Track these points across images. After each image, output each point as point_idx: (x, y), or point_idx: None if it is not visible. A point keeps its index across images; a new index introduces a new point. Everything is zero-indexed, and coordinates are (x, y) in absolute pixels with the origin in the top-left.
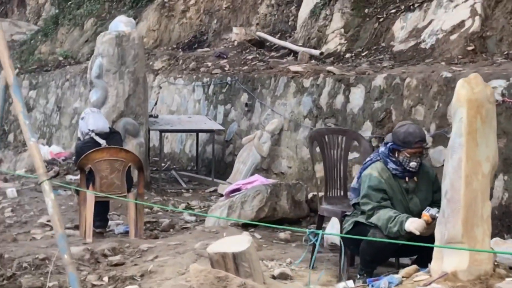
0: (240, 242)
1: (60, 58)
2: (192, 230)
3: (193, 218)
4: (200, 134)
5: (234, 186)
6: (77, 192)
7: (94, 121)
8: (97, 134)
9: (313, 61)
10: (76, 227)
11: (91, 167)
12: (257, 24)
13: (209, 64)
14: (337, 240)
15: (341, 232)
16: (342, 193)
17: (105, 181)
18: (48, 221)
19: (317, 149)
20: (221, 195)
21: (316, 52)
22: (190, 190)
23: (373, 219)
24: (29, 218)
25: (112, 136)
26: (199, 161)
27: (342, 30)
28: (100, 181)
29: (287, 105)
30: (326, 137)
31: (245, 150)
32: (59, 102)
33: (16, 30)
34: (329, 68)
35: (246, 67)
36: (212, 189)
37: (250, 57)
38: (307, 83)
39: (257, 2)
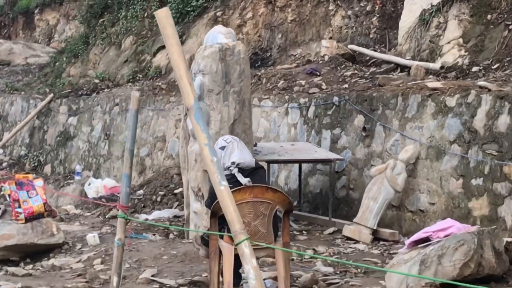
0: None
1: (96, 81)
2: None
3: (331, 269)
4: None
5: (421, 234)
6: (204, 241)
7: (239, 152)
8: (240, 169)
9: (431, 76)
10: (193, 284)
11: None
12: (330, 38)
13: (303, 82)
14: None
15: None
16: None
17: (247, 229)
18: (153, 275)
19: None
20: (348, 239)
21: (434, 66)
22: (304, 232)
23: None
24: (127, 272)
25: (256, 172)
26: (301, 195)
27: (461, 40)
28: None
29: (424, 128)
30: None
31: (374, 183)
32: (108, 129)
33: (30, 53)
34: (481, 83)
35: (346, 85)
36: (331, 230)
37: (348, 73)
38: (451, 101)
39: (329, 13)
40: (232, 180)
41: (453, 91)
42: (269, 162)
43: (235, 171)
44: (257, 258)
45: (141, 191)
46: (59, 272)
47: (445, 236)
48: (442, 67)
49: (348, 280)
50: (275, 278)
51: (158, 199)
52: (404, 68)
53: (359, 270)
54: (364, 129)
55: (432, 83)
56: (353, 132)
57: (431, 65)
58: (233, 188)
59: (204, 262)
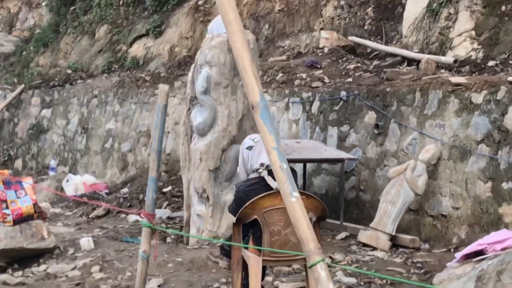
0: None
1: (69, 71)
2: None
3: (353, 280)
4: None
5: (475, 246)
6: (225, 251)
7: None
8: (269, 172)
9: (442, 70)
10: None
11: (258, 219)
12: (321, 29)
13: (304, 75)
14: None
15: None
16: None
17: (276, 238)
18: (160, 286)
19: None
20: (364, 245)
21: (447, 59)
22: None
23: None
24: (130, 281)
25: None
26: None
27: (473, 32)
28: (270, 238)
29: (446, 127)
30: None
31: (393, 186)
32: (85, 123)
33: None
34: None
35: (349, 79)
36: (343, 235)
37: (351, 66)
38: (478, 98)
39: (320, 3)
40: (261, 184)
41: (479, 87)
42: None
43: (264, 173)
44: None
45: (125, 189)
46: (55, 280)
47: (502, 249)
48: (455, 61)
49: None
50: None
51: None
52: (412, 62)
53: (384, 281)
54: (376, 126)
55: (455, 78)
56: (364, 129)
57: (443, 58)
58: (261, 193)
59: (213, 270)
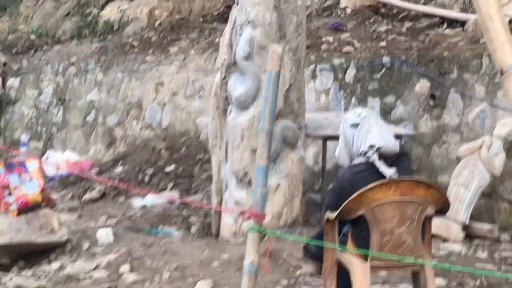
0: None
1: (32, 37)
2: None
3: (442, 282)
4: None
5: None
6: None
7: (379, 132)
8: (380, 156)
9: None
10: None
11: (365, 214)
12: None
13: (330, 39)
14: None
15: None
16: None
17: (388, 239)
18: None
19: None
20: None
21: None
22: None
23: None
24: (171, 284)
25: (400, 160)
26: (324, 180)
27: None
28: (381, 238)
29: None
30: None
31: (465, 166)
32: (61, 94)
33: None
34: None
35: (382, 43)
36: None
37: (382, 28)
38: None
39: None
40: (370, 171)
41: None
42: (327, 138)
43: (374, 158)
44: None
45: (119, 169)
46: (78, 284)
47: None
48: (510, 21)
49: None
50: None
51: (146, 179)
52: (454, 23)
53: (478, 282)
54: (432, 97)
55: None
56: (415, 100)
57: None
58: (371, 182)
59: (271, 272)
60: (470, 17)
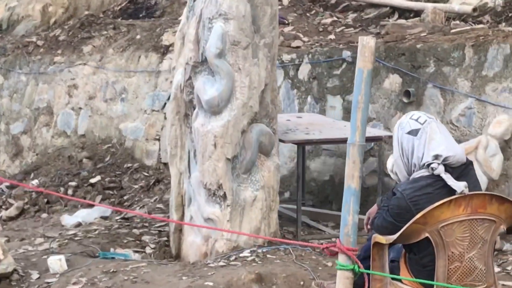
0: None
1: None
2: None
3: None
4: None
5: None
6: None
7: (444, 140)
8: (446, 167)
9: (458, 22)
10: None
11: (430, 237)
12: None
13: None
14: None
15: None
16: None
17: (456, 265)
18: None
19: None
20: None
21: (463, 8)
22: None
23: None
24: None
25: (467, 171)
26: (304, 185)
27: None
28: (448, 264)
29: None
30: None
31: None
32: None
33: None
34: None
35: (331, 36)
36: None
37: (327, 20)
38: None
39: None
40: (435, 186)
41: None
42: (300, 143)
43: (440, 170)
44: None
45: (36, 181)
46: None
47: None
48: (475, 9)
49: None
50: None
51: (70, 192)
52: (405, 13)
53: None
54: (406, 93)
55: None
56: (384, 98)
57: (456, 7)
58: (438, 199)
59: None
60: (426, 5)
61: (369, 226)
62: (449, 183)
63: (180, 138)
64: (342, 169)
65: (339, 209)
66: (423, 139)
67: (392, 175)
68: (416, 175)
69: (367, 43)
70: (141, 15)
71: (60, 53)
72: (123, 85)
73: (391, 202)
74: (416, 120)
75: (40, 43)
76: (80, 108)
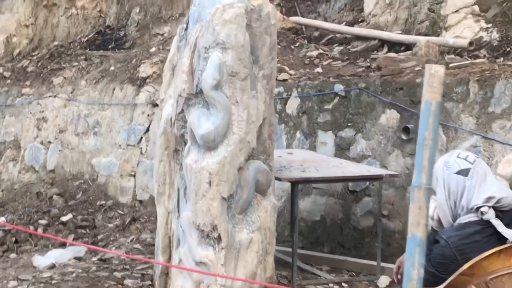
0: None
1: None
2: None
3: None
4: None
5: None
6: None
7: (494, 181)
8: (497, 212)
9: (453, 56)
10: None
11: None
12: None
13: None
14: None
15: None
16: None
17: None
18: None
19: None
20: None
21: (458, 42)
22: (344, 285)
23: None
24: None
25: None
26: (294, 225)
27: (476, 7)
28: None
29: None
30: None
31: None
32: None
33: None
34: None
35: (318, 69)
36: (385, 281)
37: (313, 53)
38: None
39: None
40: (484, 234)
41: None
42: (295, 182)
43: (490, 215)
44: None
45: (2, 219)
46: None
47: None
48: (471, 43)
49: None
50: None
51: (40, 230)
52: (395, 46)
53: None
54: (405, 129)
55: None
56: (380, 134)
57: (451, 41)
58: (487, 248)
59: None
60: (418, 38)
61: (399, 276)
62: (499, 230)
63: (169, 175)
64: (334, 209)
65: (332, 252)
66: (475, 180)
67: (430, 222)
68: (462, 220)
69: (436, 72)
70: (110, 47)
71: (28, 84)
72: (96, 118)
73: (433, 250)
74: (465, 159)
75: (6, 74)
76: (50, 142)
